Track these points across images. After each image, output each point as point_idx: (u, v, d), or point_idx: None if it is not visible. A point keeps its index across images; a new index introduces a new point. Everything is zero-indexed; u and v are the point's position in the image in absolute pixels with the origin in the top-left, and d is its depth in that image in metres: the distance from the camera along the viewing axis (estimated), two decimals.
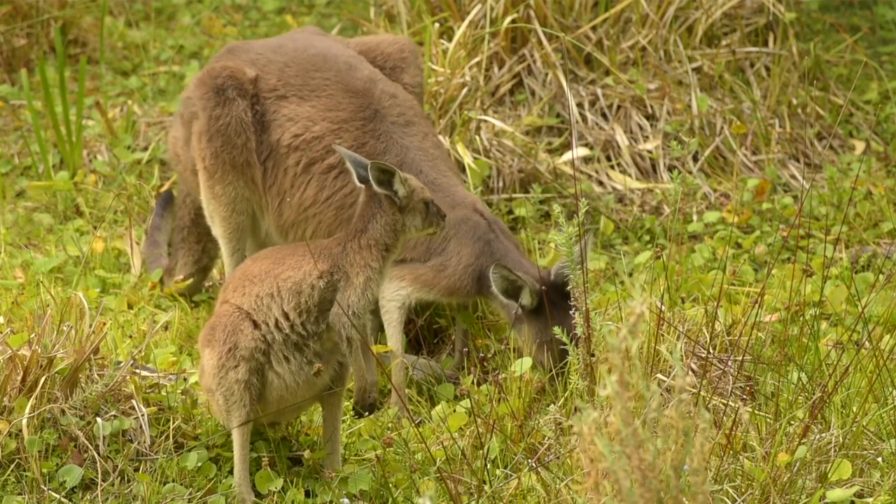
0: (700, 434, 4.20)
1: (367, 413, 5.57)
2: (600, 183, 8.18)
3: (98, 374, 5.70)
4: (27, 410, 5.50)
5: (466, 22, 8.14)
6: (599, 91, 8.36)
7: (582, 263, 5.71)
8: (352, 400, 6.01)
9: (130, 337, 6.41)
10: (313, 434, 5.85)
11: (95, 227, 7.77)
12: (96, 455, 5.56)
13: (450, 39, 8.19)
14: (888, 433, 5.38)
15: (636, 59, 8.42)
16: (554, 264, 7.15)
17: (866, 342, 5.91)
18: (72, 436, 5.57)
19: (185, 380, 5.93)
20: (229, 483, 5.57)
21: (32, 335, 5.59)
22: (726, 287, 6.78)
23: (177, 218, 7.30)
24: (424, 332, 6.90)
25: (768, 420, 5.38)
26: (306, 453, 5.72)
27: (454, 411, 5.96)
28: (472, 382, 6.13)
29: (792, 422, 5.34)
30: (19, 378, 5.56)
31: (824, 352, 5.98)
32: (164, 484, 5.56)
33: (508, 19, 8.24)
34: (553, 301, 6.27)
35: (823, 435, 5.26)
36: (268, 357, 5.48)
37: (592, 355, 5.59)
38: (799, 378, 5.65)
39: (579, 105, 8.35)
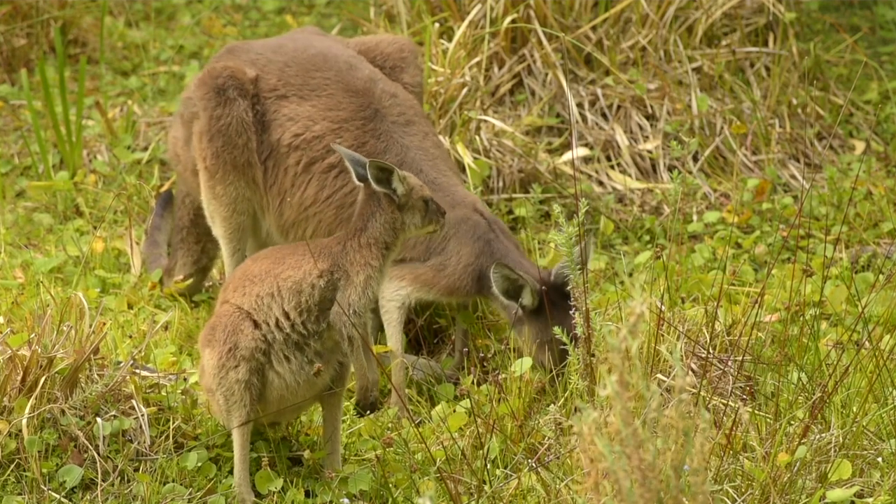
0: (700, 434, 4.20)
1: (368, 412, 5.57)
2: (600, 183, 8.18)
3: (98, 374, 5.70)
4: (27, 410, 5.50)
5: (466, 22, 8.14)
6: (599, 91, 8.36)
7: (583, 265, 5.70)
8: (352, 399, 6.01)
9: (130, 337, 6.41)
10: (313, 434, 5.85)
11: (95, 227, 7.76)
12: (96, 455, 5.56)
13: (450, 39, 8.19)
14: (888, 433, 5.38)
15: (636, 59, 8.42)
16: (554, 264, 7.16)
17: (866, 342, 5.91)
18: (72, 436, 5.57)
19: (185, 380, 5.93)
20: (229, 483, 5.57)
21: (32, 335, 5.59)
22: (726, 287, 6.77)
23: (176, 218, 7.30)
24: (424, 332, 6.90)
25: (768, 420, 5.38)
26: (306, 453, 5.72)
27: (454, 411, 5.96)
28: (472, 382, 6.13)
29: (792, 422, 5.34)
30: (19, 378, 5.56)
31: (824, 352, 5.98)
32: (164, 484, 5.56)
33: (508, 19, 8.24)
34: (553, 301, 6.27)
35: (823, 435, 5.26)
36: (268, 357, 5.48)
37: (592, 355, 5.59)
38: (799, 378, 5.65)
39: (579, 105, 8.35)
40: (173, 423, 5.74)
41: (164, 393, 5.82)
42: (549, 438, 5.58)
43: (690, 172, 8.16)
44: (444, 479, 5.28)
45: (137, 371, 5.84)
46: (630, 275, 7.27)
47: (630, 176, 8.18)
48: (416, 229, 5.58)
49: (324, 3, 10.41)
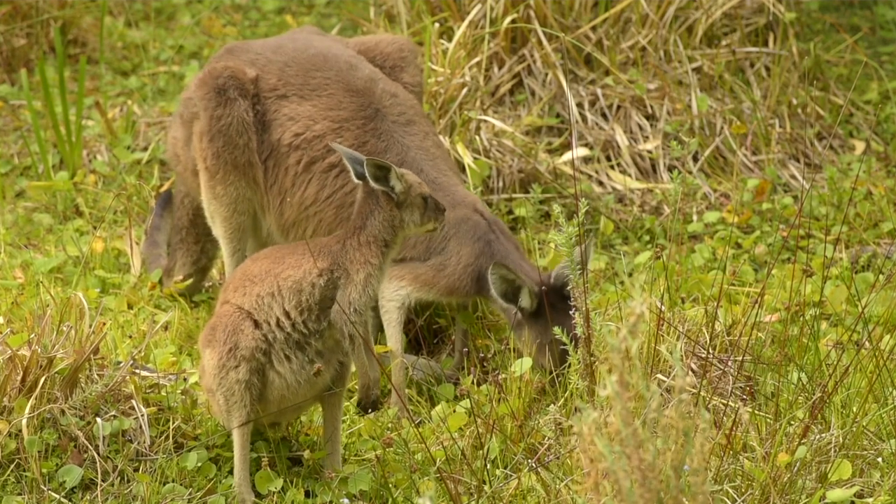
0: (700, 434, 4.20)
1: (370, 410, 5.57)
2: (600, 183, 8.17)
3: (98, 374, 5.70)
4: (27, 410, 5.50)
5: (466, 22, 8.14)
6: (599, 91, 8.36)
7: (583, 267, 5.70)
8: (352, 399, 6.01)
9: (130, 337, 6.41)
10: (313, 434, 5.85)
11: (95, 228, 7.76)
12: (96, 455, 5.56)
13: (450, 39, 8.19)
14: (888, 433, 5.38)
15: (636, 59, 8.42)
16: (554, 264, 7.16)
17: (866, 342, 5.91)
18: (72, 436, 5.57)
19: (184, 380, 5.93)
20: (229, 483, 5.56)
21: (32, 335, 5.58)
22: (726, 287, 6.77)
23: (175, 218, 7.30)
24: (424, 332, 6.90)
25: (768, 420, 5.37)
26: (306, 453, 5.71)
27: (454, 411, 5.96)
28: (472, 382, 6.13)
29: (792, 422, 5.33)
30: (19, 378, 5.56)
31: (824, 352, 5.97)
32: (164, 484, 5.56)
33: (508, 19, 8.24)
34: (552, 304, 6.27)
35: (823, 435, 5.26)
36: (269, 357, 5.48)
37: (592, 356, 5.59)
38: (799, 378, 5.65)
39: (579, 105, 8.35)
40: (173, 423, 5.73)
41: (163, 393, 5.82)
42: (549, 438, 5.57)
43: (690, 172, 8.16)
44: (444, 479, 5.27)
45: (137, 371, 5.84)
46: (630, 275, 7.26)
47: (630, 176, 8.18)
48: (416, 227, 5.58)
49: (324, 3, 10.41)
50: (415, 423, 6.00)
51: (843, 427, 5.33)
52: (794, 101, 8.47)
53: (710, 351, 5.86)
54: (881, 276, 6.88)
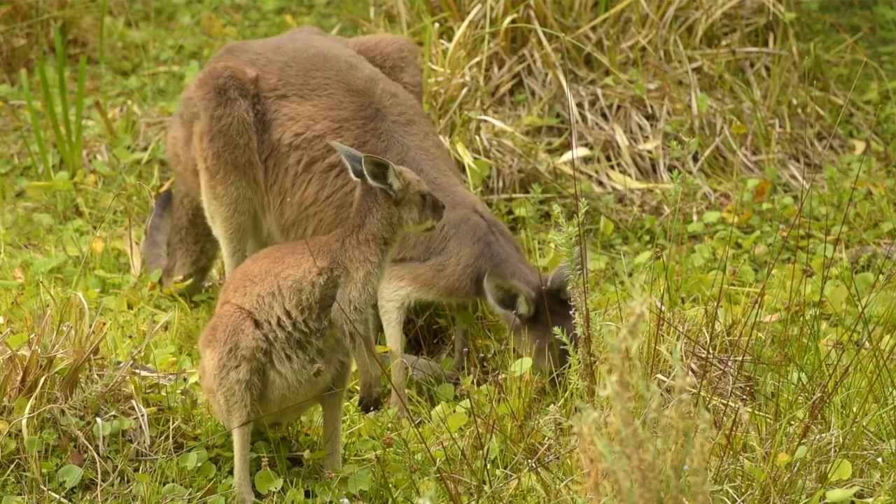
0: (700, 434, 4.20)
1: (372, 408, 5.57)
2: (600, 183, 8.17)
3: (98, 375, 5.69)
4: (27, 410, 5.50)
5: (466, 22, 8.14)
6: (599, 91, 8.36)
7: (582, 269, 5.69)
8: (352, 399, 6.01)
9: (130, 337, 6.41)
10: (313, 434, 5.85)
11: (95, 228, 7.76)
12: (96, 455, 5.56)
13: (450, 39, 8.19)
14: (888, 433, 5.38)
15: (636, 59, 8.42)
16: (554, 265, 7.15)
17: (866, 342, 5.91)
18: (72, 436, 5.57)
19: (184, 380, 5.93)
20: (229, 483, 5.56)
21: (32, 335, 5.58)
22: (726, 287, 6.77)
23: (175, 218, 7.30)
24: (424, 332, 6.90)
25: (768, 420, 5.37)
26: (306, 453, 5.71)
27: (454, 411, 5.96)
28: (472, 382, 6.13)
29: (792, 422, 5.33)
30: (19, 378, 5.56)
31: (824, 352, 5.97)
32: (164, 484, 5.55)
33: (508, 19, 8.24)
34: (551, 308, 6.27)
35: (823, 435, 5.26)
36: (269, 356, 5.48)
37: (592, 356, 5.59)
38: (799, 378, 5.65)
39: (579, 105, 8.35)
40: (173, 423, 5.73)
41: (163, 393, 5.82)
42: (549, 438, 5.57)
43: (690, 172, 8.16)
44: (444, 479, 5.27)
45: (137, 371, 5.84)
46: (630, 275, 7.26)
47: (630, 176, 8.18)
48: (414, 224, 5.58)
49: (324, 3, 10.41)
50: (415, 423, 6.00)
51: (843, 427, 5.33)
52: (794, 101, 8.47)
53: (710, 351, 5.86)
54: (881, 276, 6.88)
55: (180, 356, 6.48)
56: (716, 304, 5.97)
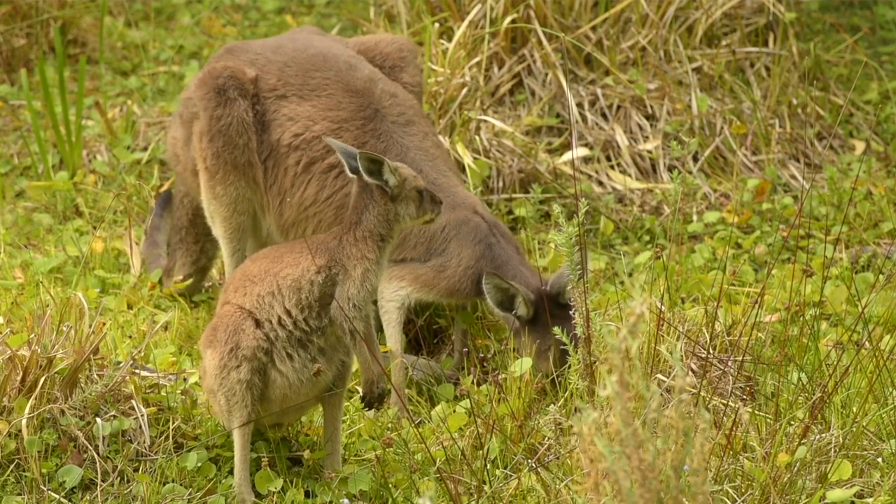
0: (700, 434, 4.20)
1: (377, 404, 5.57)
2: (600, 183, 8.17)
3: (98, 375, 5.69)
4: (27, 410, 5.50)
5: (466, 22, 8.14)
6: (599, 91, 8.36)
7: (583, 272, 5.69)
8: (352, 399, 6.01)
9: (130, 337, 6.41)
10: (313, 434, 5.85)
11: (95, 228, 7.76)
12: (96, 455, 5.56)
13: (450, 39, 8.18)
14: (888, 433, 5.38)
15: (636, 59, 8.42)
16: (554, 265, 7.15)
17: (866, 342, 5.90)
18: (71, 436, 5.57)
19: (184, 380, 5.93)
20: (229, 483, 5.56)
21: (32, 335, 5.58)
22: (726, 287, 6.77)
23: (174, 218, 7.30)
24: (424, 332, 6.90)
25: (768, 420, 5.37)
26: (306, 453, 5.71)
27: (454, 411, 5.95)
28: (472, 382, 6.12)
29: (792, 422, 5.33)
30: (19, 378, 5.56)
31: (824, 352, 5.97)
32: (164, 484, 5.55)
33: (508, 19, 8.24)
34: (550, 311, 6.27)
35: (823, 435, 5.26)
36: (270, 356, 5.48)
37: (592, 356, 5.58)
38: (799, 378, 5.64)
39: (579, 105, 8.35)
40: (173, 423, 5.73)
41: (163, 393, 5.82)
42: (549, 438, 5.57)
43: (690, 172, 8.16)
44: (444, 479, 5.27)
45: (137, 371, 5.83)
46: (630, 275, 7.26)
47: (630, 176, 8.18)
48: (412, 220, 5.58)
49: (324, 3, 10.41)
50: (415, 423, 6.00)
51: (843, 427, 5.33)
52: (794, 101, 8.47)
53: (710, 351, 5.86)
54: (881, 276, 6.88)
55: (180, 356, 6.48)
56: (716, 304, 5.97)
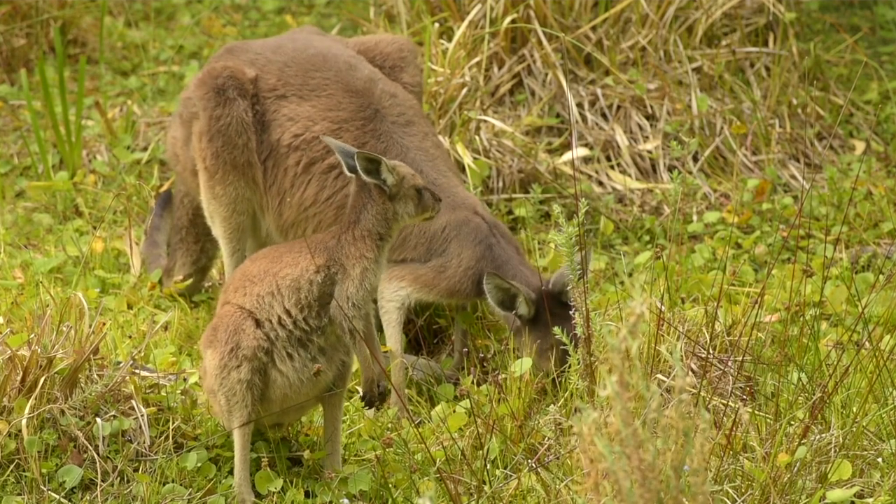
0: (700, 434, 4.20)
1: (378, 403, 5.57)
2: (600, 183, 8.17)
3: (98, 375, 5.69)
4: (27, 411, 5.50)
5: (466, 22, 8.14)
6: (599, 91, 8.36)
7: (583, 272, 5.68)
8: (352, 399, 6.01)
9: (130, 337, 6.41)
10: (313, 434, 5.85)
11: (95, 228, 7.76)
12: (96, 455, 5.56)
13: (450, 39, 8.18)
14: (888, 433, 5.38)
15: (636, 59, 8.42)
16: (554, 265, 7.15)
17: (866, 342, 5.90)
18: (71, 436, 5.57)
19: (184, 380, 5.93)
20: (229, 483, 5.56)
21: (32, 335, 5.58)
22: (726, 287, 6.77)
23: (174, 218, 7.30)
24: (424, 332, 6.90)
25: (768, 420, 5.37)
26: (306, 453, 5.71)
27: (454, 411, 5.95)
28: (472, 382, 6.12)
29: (792, 422, 5.33)
30: (19, 378, 5.56)
31: (824, 352, 5.97)
32: (164, 484, 5.55)
33: (508, 19, 8.24)
34: (551, 310, 6.27)
35: (823, 435, 5.26)
36: (271, 356, 5.48)
37: (592, 356, 5.58)
38: (799, 378, 5.64)
39: (579, 105, 8.35)
40: (173, 423, 5.73)
41: (163, 393, 5.82)
42: (549, 439, 5.57)
43: (690, 172, 8.16)
44: (444, 479, 5.27)
45: (137, 371, 5.83)
46: (630, 275, 7.26)
47: (630, 176, 8.18)
48: (410, 218, 5.58)
49: (324, 3, 10.41)
50: (415, 424, 6.00)
51: (843, 427, 5.33)
52: (794, 101, 8.47)
53: (710, 351, 5.86)
54: (881, 276, 6.88)
55: (180, 356, 6.48)
56: (716, 304, 5.97)
